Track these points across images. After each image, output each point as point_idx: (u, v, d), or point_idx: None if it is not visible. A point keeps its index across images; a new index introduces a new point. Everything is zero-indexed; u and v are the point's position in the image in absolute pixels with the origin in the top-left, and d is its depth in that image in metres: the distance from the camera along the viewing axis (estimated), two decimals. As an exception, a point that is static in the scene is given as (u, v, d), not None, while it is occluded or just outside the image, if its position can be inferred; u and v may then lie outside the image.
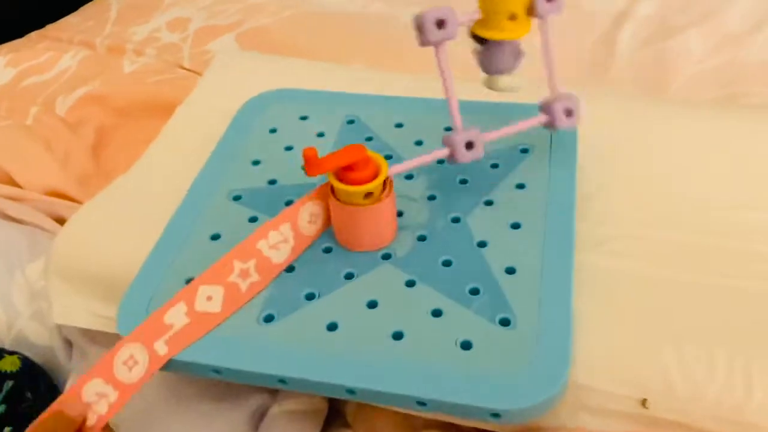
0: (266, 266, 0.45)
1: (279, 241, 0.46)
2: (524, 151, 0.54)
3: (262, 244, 0.45)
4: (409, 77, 0.69)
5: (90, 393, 0.40)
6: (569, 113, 0.50)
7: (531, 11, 0.46)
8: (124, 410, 0.48)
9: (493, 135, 0.50)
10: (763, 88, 0.81)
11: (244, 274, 0.44)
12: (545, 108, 0.51)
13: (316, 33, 0.96)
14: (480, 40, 0.47)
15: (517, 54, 0.48)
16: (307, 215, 0.47)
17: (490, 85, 0.49)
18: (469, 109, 0.57)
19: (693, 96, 0.81)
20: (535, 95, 0.61)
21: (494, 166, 0.53)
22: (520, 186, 0.51)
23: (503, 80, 0.49)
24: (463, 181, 0.52)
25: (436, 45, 0.44)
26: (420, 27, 0.44)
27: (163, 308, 0.42)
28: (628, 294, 0.46)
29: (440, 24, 0.43)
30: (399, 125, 0.57)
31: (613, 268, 0.47)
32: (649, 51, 0.87)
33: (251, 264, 0.44)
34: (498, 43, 0.47)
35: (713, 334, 0.43)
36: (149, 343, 0.41)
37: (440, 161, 0.53)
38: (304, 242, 0.47)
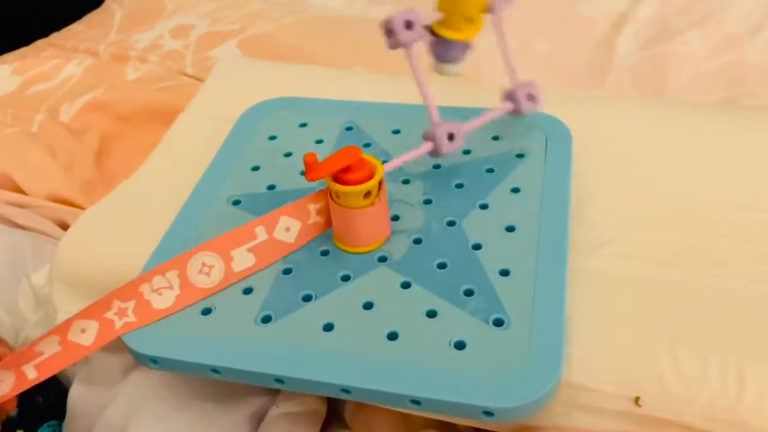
0: (145, 309, 0.45)
1: (163, 287, 0.45)
2: (519, 156, 0.54)
3: (144, 287, 0.45)
4: (409, 82, 0.70)
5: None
6: (531, 98, 0.54)
7: (485, 9, 0.49)
8: (125, 410, 0.48)
9: (472, 125, 0.52)
10: (765, 89, 0.81)
11: (122, 313, 0.44)
12: (509, 96, 0.54)
13: (317, 38, 0.97)
14: (435, 33, 0.50)
15: (466, 47, 0.51)
16: (198, 264, 0.46)
17: (440, 72, 0.52)
18: (459, 115, 0.59)
19: (694, 98, 0.81)
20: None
21: (490, 170, 0.53)
22: (515, 190, 0.51)
23: (451, 68, 0.52)
24: (459, 186, 0.52)
25: (407, 45, 0.46)
26: (390, 30, 0.46)
27: (36, 340, 0.43)
28: (623, 295, 0.46)
29: (408, 25, 0.46)
30: (396, 131, 0.58)
31: (608, 271, 0.48)
32: (649, 53, 0.88)
33: (130, 305, 0.45)
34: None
35: (707, 335, 0.44)
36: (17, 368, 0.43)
37: (436, 166, 0.54)
38: (195, 293, 0.46)
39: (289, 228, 0.48)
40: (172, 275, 0.45)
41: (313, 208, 0.48)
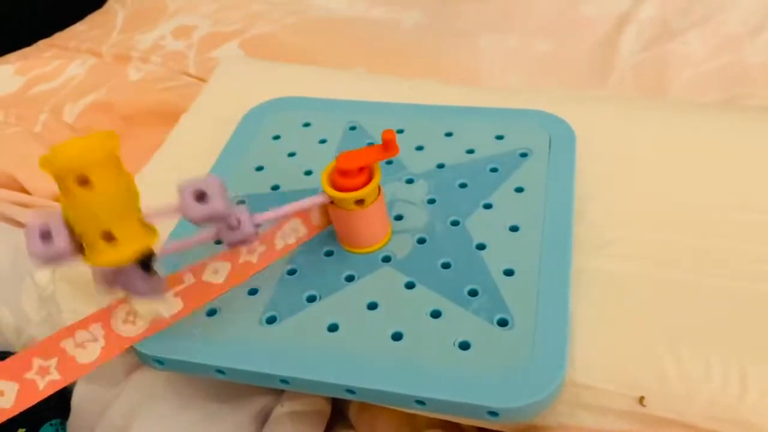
0: (70, 366, 0.42)
1: (87, 341, 0.43)
2: (523, 155, 0.54)
3: (66, 343, 0.43)
4: (411, 82, 0.70)
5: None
6: (200, 196, 0.40)
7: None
8: (128, 410, 0.48)
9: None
10: (765, 89, 0.81)
11: (44, 371, 0.42)
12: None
13: (319, 39, 0.97)
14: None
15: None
16: (123, 314, 0.44)
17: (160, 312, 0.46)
18: (457, 114, 0.59)
19: (694, 98, 0.82)
20: (531, 101, 0.62)
21: (493, 170, 0.53)
22: (519, 189, 0.52)
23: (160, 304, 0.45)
24: (463, 186, 0.52)
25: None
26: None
27: None
28: (625, 295, 0.47)
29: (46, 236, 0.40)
30: (400, 131, 0.58)
31: (611, 270, 0.48)
32: (650, 54, 0.88)
33: (52, 362, 0.42)
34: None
35: (708, 334, 0.44)
36: None
37: (439, 165, 0.54)
38: (122, 342, 0.44)
39: (217, 270, 0.47)
40: (96, 328, 0.44)
41: (243, 249, 0.47)
